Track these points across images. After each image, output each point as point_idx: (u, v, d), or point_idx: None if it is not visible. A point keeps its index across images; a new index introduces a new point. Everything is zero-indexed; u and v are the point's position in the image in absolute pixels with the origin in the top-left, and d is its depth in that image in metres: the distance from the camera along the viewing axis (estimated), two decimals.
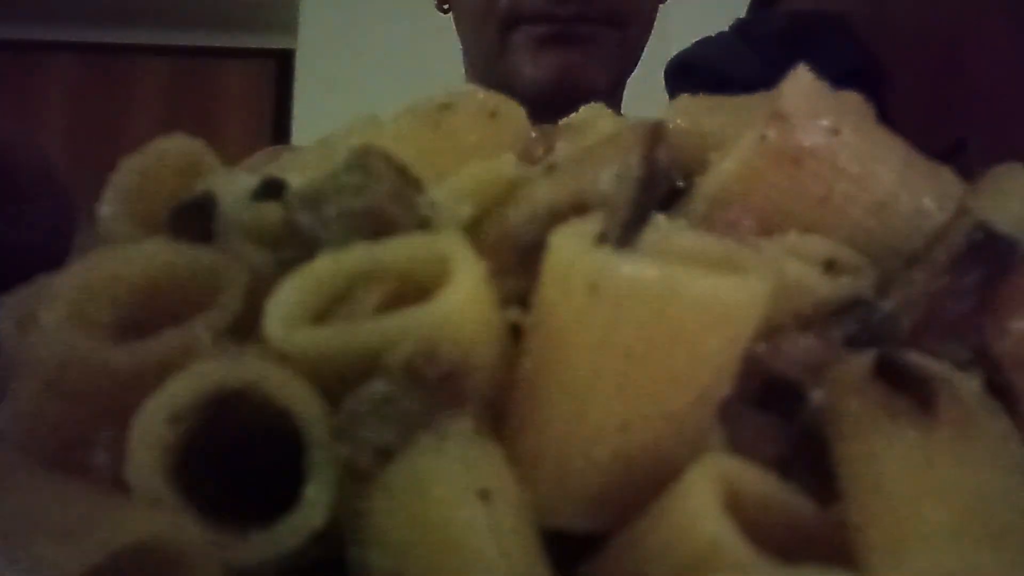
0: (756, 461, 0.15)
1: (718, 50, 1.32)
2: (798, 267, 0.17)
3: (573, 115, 0.23)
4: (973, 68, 1.00)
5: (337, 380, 0.13)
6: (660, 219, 0.16)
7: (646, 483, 0.14)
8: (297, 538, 0.12)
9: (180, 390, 0.13)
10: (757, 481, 0.14)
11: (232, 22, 2.64)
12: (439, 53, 2.18)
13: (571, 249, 0.13)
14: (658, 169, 0.15)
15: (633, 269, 0.13)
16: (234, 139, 2.62)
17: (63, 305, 0.13)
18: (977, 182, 0.20)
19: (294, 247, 0.15)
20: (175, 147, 0.19)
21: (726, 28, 1.36)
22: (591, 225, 0.14)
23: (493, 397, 0.14)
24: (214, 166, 0.20)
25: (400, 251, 0.14)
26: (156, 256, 0.14)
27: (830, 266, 0.17)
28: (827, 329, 0.15)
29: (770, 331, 0.15)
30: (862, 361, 0.15)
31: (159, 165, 0.19)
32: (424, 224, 0.16)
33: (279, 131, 2.55)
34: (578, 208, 0.15)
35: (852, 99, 0.20)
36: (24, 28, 2.61)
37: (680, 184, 0.19)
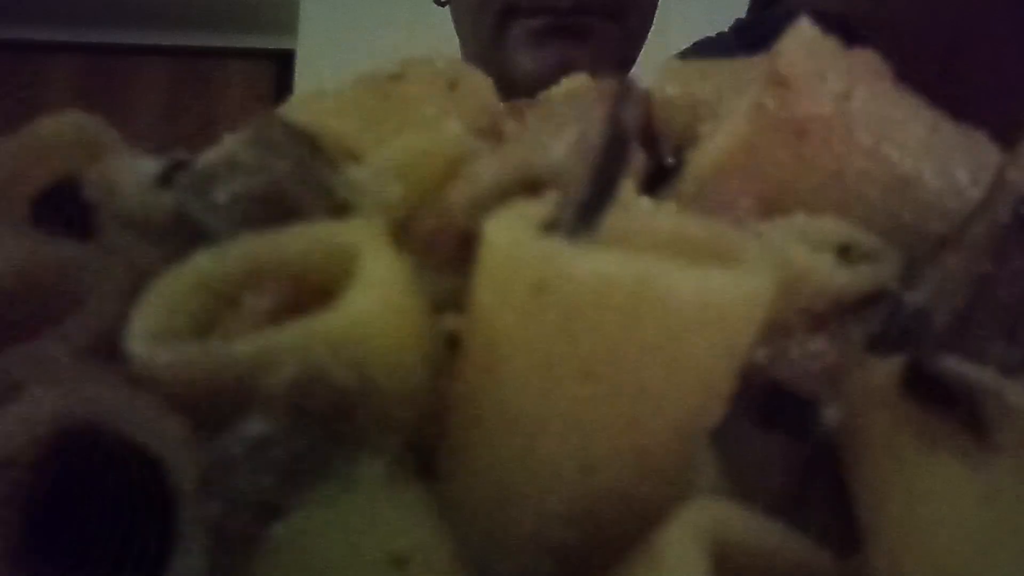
0: (759, 494, 0.12)
1: (718, 50, 1.31)
2: (807, 254, 0.13)
3: (553, 88, 0.20)
4: (973, 68, 0.98)
5: (214, 414, 0.09)
6: (641, 201, 0.13)
7: (614, 538, 0.10)
8: None
9: (18, 423, 0.10)
10: (755, 531, 0.11)
11: (232, 22, 2.65)
12: (438, 54, 2.17)
13: (511, 239, 0.10)
14: (623, 135, 0.11)
15: (591, 264, 0.10)
16: None
17: None
18: (1017, 149, 0.16)
19: (181, 240, 0.12)
20: (65, 127, 0.16)
21: (726, 28, 1.34)
22: (539, 207, 0.10)
23: (418, 430, 0.10)
24: (116, 148, 0.17)
25: (296, 243, 0.11)
26: (6, 250, 0.10)
27: (845, 252, 0.13)
28: (843, 329, 0.12)
29: (774, 333, 0.11)
30: (888, 369, 0.11)
31: (42, 148, 0.16)
32: (340, 210, 0.13)
33: None
34: (529, 187, 0.12)
35: (865, 57, 0.16)
36: (24, 28, 2.62)
37: (670, 161, 0.16)
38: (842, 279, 0.13)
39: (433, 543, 0.10)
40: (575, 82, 0.20)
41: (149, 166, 0.15)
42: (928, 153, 0.15)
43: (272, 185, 0.13)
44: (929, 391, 0.11)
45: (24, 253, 0.12)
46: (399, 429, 0.10)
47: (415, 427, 0.10)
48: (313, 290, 0.11)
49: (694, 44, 1.35)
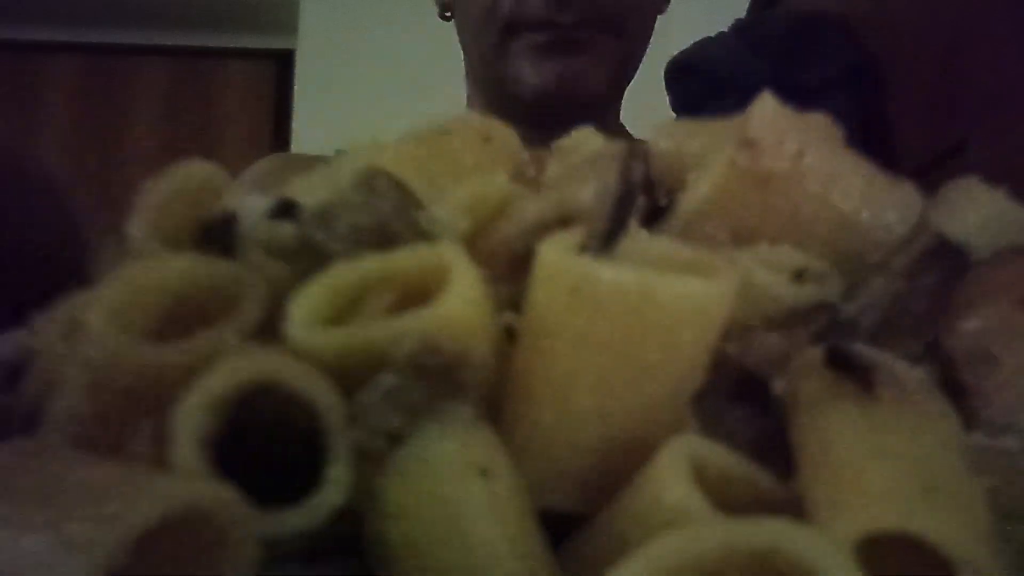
0: (731, 449, 0.17)
1: (718, 50, 1.33)
2: (768, 275, 0.19)
3: (565, 139, 0.25)
4: (973, 68, 1.01)
5: (350, 375, 0.15)
6: (639, 231, 0.18)
7: (625, 466, 0.15)
8: (321, 514, 0.14)
9: (217, 382, 0.14)
10: (722, 457, 0.15)
11: (232, 22, 2.63)
12: (438, 53, 2.19)
13: (556, 257, 0.15)
14: (633, 185, 0.17)
15: (610, 274, 0.15)
16: (234, 139, 2.63)
17: (106, 312, 0.15)
18: (937, 196, 0.21)
19: (308, 260, 0.17)
20: (194, 170, 0.21)
21: (726, 28, 1.36)
22: (574, 236, 0.15)
23: (489, 391, 0.16)
24: (229, 187, 0.21)
25: (405, 261, 0.16)
26: (186, 268, 0.16)
27: (799, 275, 0.19)
28: (794, 330, 0.17)
29: (743, 332, 0.17)
30: (815, 352, 0.17)
31: (180, 187, 0.21)
32: (425, 237, 0.18)
33: (279, 131, 2.56)
34: (563, 221, 0.17)
35: (818, 121, 0.21)
36: (24, 28, 2.60)
37: (664, 202, 0.20)
38: (795, 295, 0.18)
39: (504, 464, 0.15)
40: (583, 134, 0.24)
41: (259, 202, 0.19)
42: (865, 199, 0.20)
43: (378, 220, 0.19)
44: (842, 366, 0.16)
45: (195, 269, 0.17)
46: (479, 387, 0.15)
47: (487, 388, 0.15)
48: (412, 293, 0.16)
49: (694, 44, 1.38)
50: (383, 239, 0.17)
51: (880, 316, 0.18)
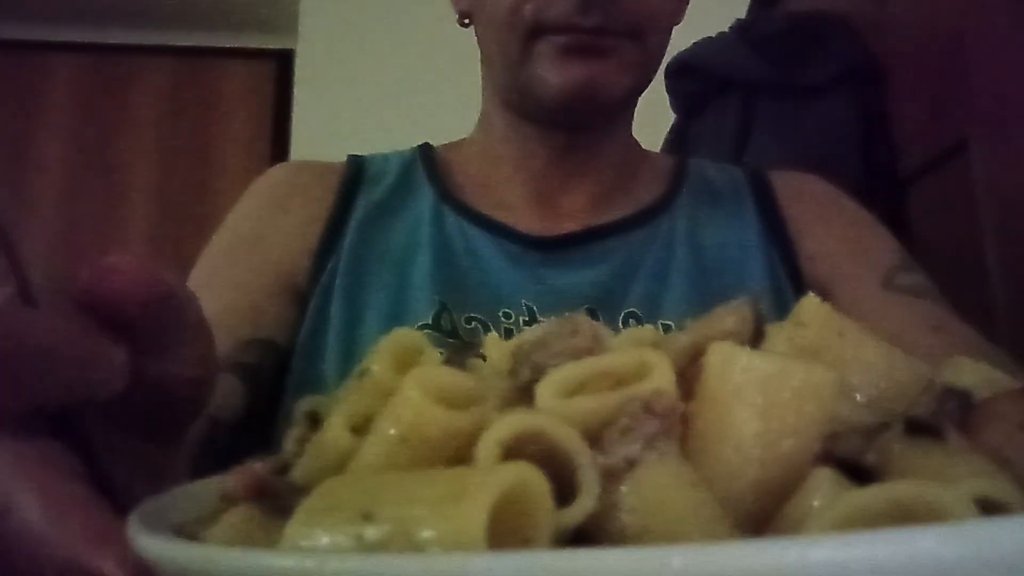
0: None
1: (718, 50, 1.34)
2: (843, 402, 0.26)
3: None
4: (974, 67, 1.01)
5: (589, 425, 0.22)
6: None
7: (773, 502, 0.22)
8: (581, 514, 0.20)
9: (505, 427, 0.21)
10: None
11: (232, 23, 2.64)
12: (438, 53, 2.18)
13: (727, 350, 0.23)
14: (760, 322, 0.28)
15: (762, 360, 0.23)
16: (234, 139, 2.63)
17: (420, 388, 0.23)
18: (941, 369, 0.29)
19: (529, 373, 0.26)
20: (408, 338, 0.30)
21: (726, 28, 1.37)
22: (731, 343, 0.24)
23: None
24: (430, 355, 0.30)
25: (623, 359, 0.25)
26: (451, 378, 0.24)
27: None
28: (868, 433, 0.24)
29: (830, 435, 0.24)
30: (898, 426, 0.24)
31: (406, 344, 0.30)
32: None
33: (279, 131, 2.56)
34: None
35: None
36: (26, 28, 2.60)
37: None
38: (859, 414, 0.25)
39: (702, 480, 0.23)
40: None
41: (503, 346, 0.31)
42: (890, 368, 0.27)
43: (582, 344, 0.27)
44: (919, 428, 0.23)
45: (456, 380, 0.25)
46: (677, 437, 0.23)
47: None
48: (613, 382, 0.24)
49: (694, 44, 1.38)
50: (582, 355, 0.26)
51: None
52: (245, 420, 0.59)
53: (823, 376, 0.23)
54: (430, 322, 0.63)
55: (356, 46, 2.32)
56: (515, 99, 0.68)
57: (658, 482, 0.21)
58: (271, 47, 2.66)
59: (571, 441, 0.21)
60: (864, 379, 0.27)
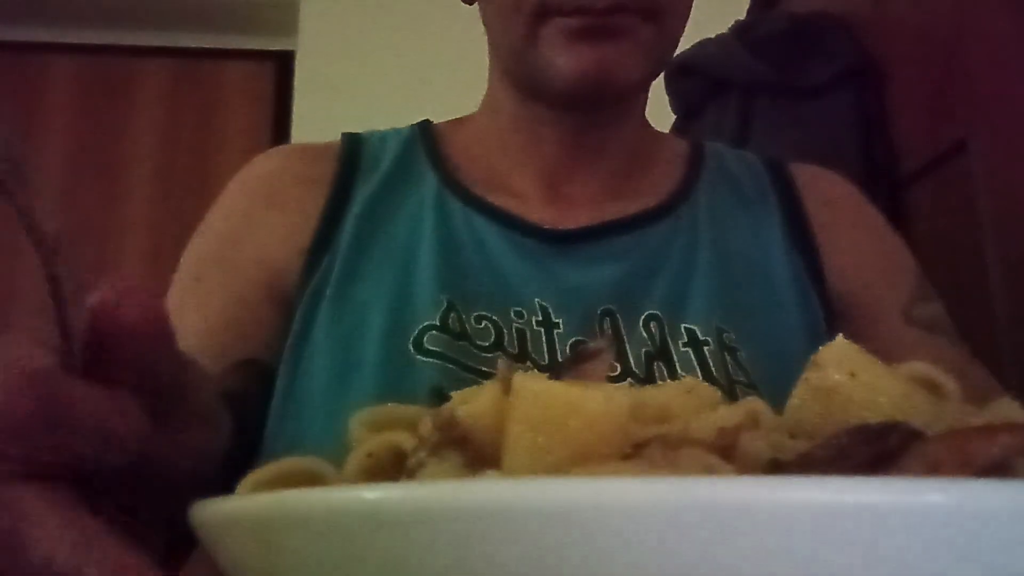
0: None
1: (718, 51, 1.34)
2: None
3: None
4: (973, 68, 1.01)
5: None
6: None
7: None
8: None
9: (376, 442, 0.29)
10: None
11: (232, 24, 2.63)
12: (439, 54, 2.18)
13: (521, 379, 0.26)
14: None
15: (537, 383, 0.26)
16: (234, 139, 2.63)
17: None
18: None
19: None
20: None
21: (726, 29, 1.37)
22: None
23: None
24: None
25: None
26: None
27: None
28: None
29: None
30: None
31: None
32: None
33: (279, 132, 2.56)
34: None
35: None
36: (25, 30, 2.60)
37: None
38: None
39: None
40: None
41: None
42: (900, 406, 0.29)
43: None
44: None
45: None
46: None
47: None
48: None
49: (694, 45, 1.38)
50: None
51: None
52: (234, 452, 0.53)
53: (593, 396, 0.24)
54: (437, 323, 0.58)
55: (356, 47, 2.32)
56: (523, 82, 0.64)
57: (434, 477, 0.25)
58: (271, 48, 2.66)
59: (406, 444, 0.27)
60: (873, 417, 0.27)
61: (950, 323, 0.64)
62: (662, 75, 1.36)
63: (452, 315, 0.59)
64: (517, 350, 0.58)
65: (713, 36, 1.35)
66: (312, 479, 0.29)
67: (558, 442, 0.23)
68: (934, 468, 0.21)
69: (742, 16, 1.43)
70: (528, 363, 0.58)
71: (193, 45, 2.69)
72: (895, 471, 0.21)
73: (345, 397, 0.56)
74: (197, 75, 2.67)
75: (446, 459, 0.25)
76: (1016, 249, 0.93)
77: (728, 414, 0.26)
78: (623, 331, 0.60)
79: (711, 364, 0.58)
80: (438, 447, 0.25)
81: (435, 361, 0.56)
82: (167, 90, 2.65)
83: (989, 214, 0.97)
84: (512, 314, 0.60)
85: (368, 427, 0.30)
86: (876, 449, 0.22)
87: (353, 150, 0.68)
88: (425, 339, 0.57)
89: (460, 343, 0.58)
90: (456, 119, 0.73)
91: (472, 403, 0.26)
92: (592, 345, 0.30)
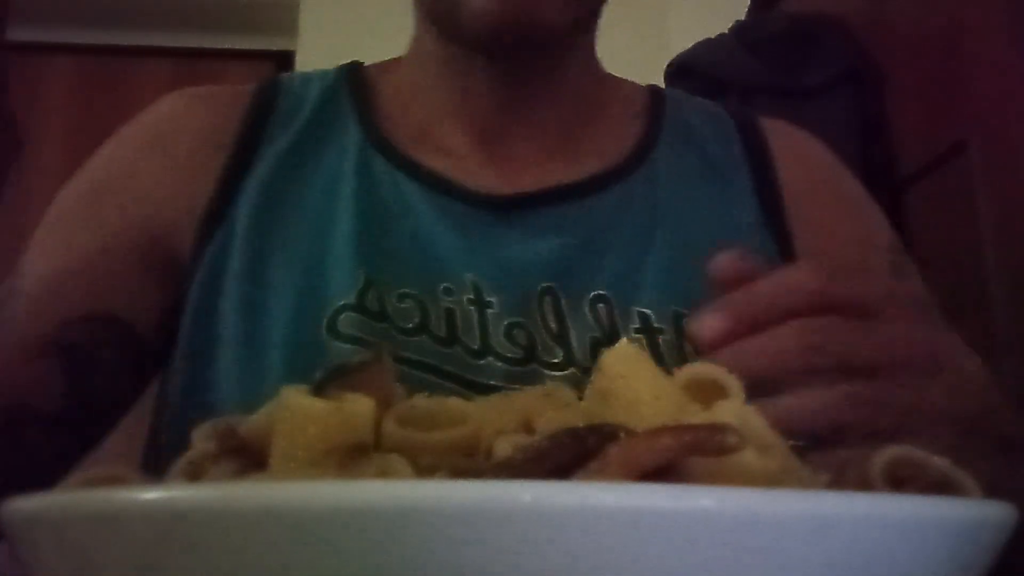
0: None
1: (718, 51, 1.34)
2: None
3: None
4: (972, 68, 1.01)
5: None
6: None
7: None
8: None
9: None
10: None
11: (232, 24, 2.64)
12: None
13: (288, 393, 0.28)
14: None
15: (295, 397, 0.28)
16: None
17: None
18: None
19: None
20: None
21: (726, 30, 1.37)
22: None
23: None
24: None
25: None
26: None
27: None
28: None
29: None
30: None
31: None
32: None
33: None
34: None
35: None
36: (24, 29, 2.60)
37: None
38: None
39: None
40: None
41: None
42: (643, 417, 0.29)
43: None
44: None
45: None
46: None
47: None
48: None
49: (694, 45, 1.38)
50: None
51: None
52: (67, 413, 0.50)
53: (326, 406, 0.26)
54: (353, 302, 0.52)
55: (356, 46, 2.32)
56: (443, 22, 0.56)
57: (216, 478, 0.27)
58: (271, 48, 2.66)
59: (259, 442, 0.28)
60: (630, 419, 0.27)
61: (929, 300, 0.58)
62: (662, 75, 1.35)
63: (371, 293, 0.52)
64: (445, 332, 0.52)
65: (713, 36, 1.36)
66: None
67: (301, 447, 0.26)
68: (601, 471, 0.21)
69: (742, 16, 1.43)
70: (457, 347, 0.52)
71: (193, 45, 2.69)
72: (580, 474, 0.21)
73: (255, 387, 0.50)
74: (197, 75, 2.67)
75: (222, 466, 0.27)
76: (1015, 250, 0.94)
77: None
78: (565, 313, 0.53)
79: (664, 354, 0.52)
80: (218, 456, 0.28)
81: (350, 346, 0.50)
82: (167, 90, 2.63)
83: (988, 215, 0.97)
84: (440, 291, 0.53)
85: (208, 438, 0.31)
86: (575, 451, 0.22)
87: (266, 98, 0.60)
88: (339, 321, 0.51)
89: (379, 325, 0.51)
90: (387, 61, 0.64)
91: (251, 417, 0.29)
92: (356, 359, 0.29)
